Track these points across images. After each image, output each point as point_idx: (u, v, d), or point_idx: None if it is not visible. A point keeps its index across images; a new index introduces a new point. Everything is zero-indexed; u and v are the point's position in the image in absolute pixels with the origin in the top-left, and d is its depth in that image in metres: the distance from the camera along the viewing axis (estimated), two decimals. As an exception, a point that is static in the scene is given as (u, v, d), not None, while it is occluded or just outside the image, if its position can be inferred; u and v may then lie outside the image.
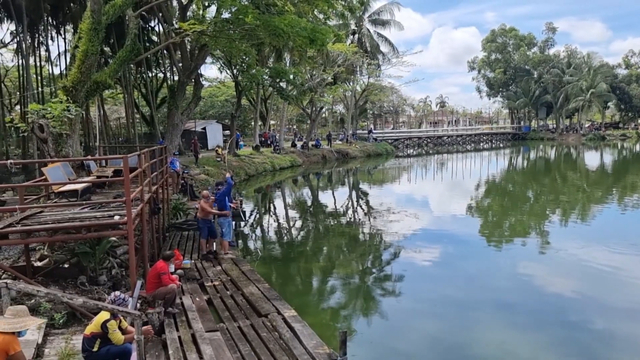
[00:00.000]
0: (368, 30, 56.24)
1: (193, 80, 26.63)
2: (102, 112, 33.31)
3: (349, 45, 47.37)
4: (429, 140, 74.92)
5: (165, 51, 31.97)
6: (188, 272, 11.00)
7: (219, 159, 31.73)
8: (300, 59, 38.48)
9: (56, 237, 8.77)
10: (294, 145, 47.98)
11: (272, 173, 36.95)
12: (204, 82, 39.39)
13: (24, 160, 24.92)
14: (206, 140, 43.51)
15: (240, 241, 16.15)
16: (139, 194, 9.69)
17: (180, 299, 9.20)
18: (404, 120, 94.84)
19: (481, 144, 78.68)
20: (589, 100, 76.35)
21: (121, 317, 6.42)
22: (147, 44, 30.47)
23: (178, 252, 11.75)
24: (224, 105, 59.36)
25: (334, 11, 27.92)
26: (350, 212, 23.01)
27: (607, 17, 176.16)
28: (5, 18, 29.28)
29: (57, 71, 34.29)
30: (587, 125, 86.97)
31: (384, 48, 57.12)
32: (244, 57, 27.82)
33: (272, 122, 58.88)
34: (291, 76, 32.77)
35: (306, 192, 30.20)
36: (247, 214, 20.92)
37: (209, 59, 34.66)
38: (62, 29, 32.70)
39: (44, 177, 10.84)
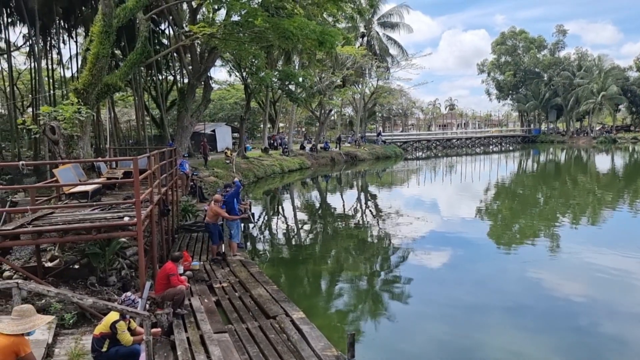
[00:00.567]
0: (377, 32, 56.22)
1: (203, 82, 26.75)
2: (112, 114, 33.57)
3: (358, 47, 47.39)
4: (438, 142, 74.70)
5: (175, 54, 32.15)
6: (197, 274, 11.04)
7: (228, 161, 31.84)
8: (309, 62, 38.54)
9: (67, 238, 8.84)
10: (302, 147, 48.02)
11: (281, 175, 36.99)
12: (213, 85, 39.55)
13: (35, 161, 25.17)
14: (215, 142, 43.71)
15: (248, 243, 16.18)
16: (148, 196, 9.76)
17: (189, 300, 9.23)
18: (413, 123, 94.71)
19: (491, 147, 78.28)
20: (600, 103, 75.77)
21: (130, 318, 6.46)
22: (158, 47, 30.71)
23: (187, 253, 11.81)
24: (233, 107, 59.62)
25: (343, 14, 27.92)
26: (358, 214, 22.97)
27: (618, 19, 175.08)
28: (18, 21, 29.65)
29: (68, 74, 34.73)
30: (598, 128, 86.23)
31: (393, 51, 57.11)
32: (253, 60, 27.93)
33: (281, 124, 58.99)
34: (300, 79, 32.80)
35: (315, 195, 30.20)
36: (256, 216, 20.96)
37: (218, 62, 34.81)
38: (74, 32, 33.05)
39: (55, 179, 10.93)
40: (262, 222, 21.20)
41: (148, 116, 38.71)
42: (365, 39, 55.63)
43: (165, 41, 33.98)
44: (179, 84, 36.53)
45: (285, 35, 18.28)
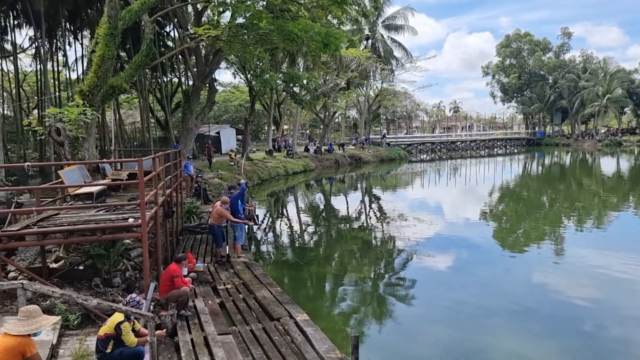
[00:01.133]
0: (382, 35, 56.24)
1: (207, 85, 26.81)
2: (117, 116, 33.71)
3: (363, 50, 47.37)
4: (442, 145, 74.61)
5: (180, 56, 32.26)
6: (201, 275, 11.05)
7: (232, 163, 31.89)
8: (313, 64, 38.62)
9: (71, 239, 8.87)
10: (306, 149, 48.05)
11: (285, 177, 37.00)
12: (218, 87, 39.65)
13: (41, 163, 25.28)
14: (220, 144, 43.77)
15: (252, 245, 16.18)
16: (153, 197, 9.79)
17: (193, 301, 9.24)
18: (417, 126, 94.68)
19: (495, 150, 78.14)
20: (605, 105, 75.51)
21: (134, 319, 6.47)
22: (163, 49, 30.77)
23: (191, 255, 11.80)
24: (237, 110, 59.73)
25: (348, 16, 27.94)
26: (362, 217, 22.95)
27: (623, 22, 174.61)
28: (24, 24, 29.81)
29: (74, 76, 34.79)
30: (603, 131, 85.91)
31: (397, 53, 57.12)
32: (258, 62, 27.93)
33: (285, 126, 59.08)
34: (304, 81, 32.80)
35: (319, 197, 30.20)
36: (260, 218, 20.95)
37: (223, 64, 34.95)
38: (80, 34, 33.18)
39: (60, 180, 10.99)
40: (266, 224, 21.21)
41: (153, 118, 38.83)
42: (370, 41, 55.65)
43: (170, 43, 34.06)
44: (183, 86, 36.61)
45: (290, 38, 18.31)
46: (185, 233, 15.83)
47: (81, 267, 9.75)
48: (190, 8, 27.14)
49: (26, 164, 9.89)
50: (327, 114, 49.40)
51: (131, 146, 37.56)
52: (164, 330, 7.68)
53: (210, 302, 9.45)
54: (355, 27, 46.03)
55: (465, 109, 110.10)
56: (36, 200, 10.18)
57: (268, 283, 10.57)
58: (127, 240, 10.29)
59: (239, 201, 13.05)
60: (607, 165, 50.47)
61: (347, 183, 37.71)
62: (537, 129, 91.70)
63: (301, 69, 39.96)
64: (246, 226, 13.75)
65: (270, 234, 19.35)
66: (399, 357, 8.42)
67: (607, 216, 21.61)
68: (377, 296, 11.55)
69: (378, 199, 28.96)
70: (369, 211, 25.04)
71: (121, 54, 28.70)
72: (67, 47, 32.82)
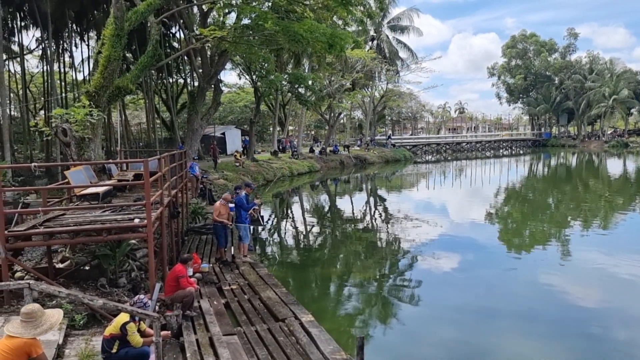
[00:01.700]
0: (387, 36, 56.22)
1: (213, 86, 26.87)
2: (123, 117, 33.85)
3: (368, 51, 47.38)
4: (447, 146, 74.44)
5: (185, 57, 32.34)
6: (206, 276, 11.07)
7: (237, 164, 31.94)
8: (319, 65, 38.63)
9: (78, 239, 8.90)
10: (312, 150, 48.04)
11: (290, 178, 37.01)
12: (223, 88, 39.72)
13: (47, 163, 25.42)
14: (225, 145, 43.84)
15: (257, 246, 16.19)
16: (158, 198, 9.81)
17: (198, 302, 9.25)
18: (423, 127, 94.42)
19: (501, 151, 77.86)
20: (612, 106, 75.08)
21: (140, 320, 6.48)
22: (168, 50, 30.91)
23: (196, 255, 11.83)
24: (243, 110, 59.83)
25: (353, 17, 27.94)
26: (367, 218, 22.92)
27: (630, 22, 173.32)
28: (31, 25, 30.01)
29: (80, 77, 35.06)
30: (609, 132, 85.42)
31: (402, 54, 57.09)
32: (263, 63, 28.02)
33: (290, 127, 59.10)
34: (310, 82, 32.84)
35: (324, 198, 30.19)
36: (265, 219, 20.95)
37: (228, 65, 34.96)
38: (86, 35, 33.39)
39: (66, 180, 11.03)
40: (271, 224, 21.22)
41: (158, 119, 38.96)
42: (375, 42, 55.64)
43: (175, 44, 34.21)
44: (189, 87, 36.74)
45: (295, 38, 18.32)
46: (190, 233, 15.86)
47: (87, 268, 9.78)
48: (195, 9, 27.18)
49: (33, 164, 9.93)
50: (332, 115, 49.39)
51: (137, 147, 37.69)
52: (169, 330, 7.69)
53: (215, 302, 9.45)
54: (360, 28, 45.97)
55: (470, 110, 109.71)
56: (43, 201, 10.22)
57: (273, 284, 10.57)
58: (133, 241, 10.32)
59: (245, 201, 13.00)
60: (614, 166, 50.19)
61: (352, 184, 37.69)
62: (543, 130, 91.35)
63: (306, 70, 39.98)
64: (251, 226, 13.75)
65: (276, 235, 19.36)
66: (404, 358, 8.40)
67: (613, 218, 21.48)
68: (382, 297, 11.53)
69: (383, 200, 28.92)
70: (374, 212, 25.01)
71: (127, 55, 28.80)
72: (74, 48, 33.11)
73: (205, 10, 25.17)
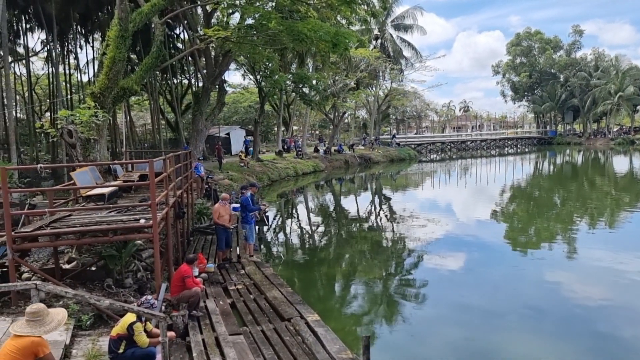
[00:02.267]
0: (391, 35, 56.13)
1: (217, 86, 26.91)
2: (128, 118, 33.97)
3: (372, 50, 47.29)
4: (452, 145, 74.28)
5: (190, 58, 32.41)
6: (212, 276, 11.09)
7: (242, 164, 31.97)
8: (323, 65, 38.60)
9: (84, 240, 8.93)
10: (316, 150, 48.03)
11: (295, 178, 37.01)
12: (227, 88, 39.76)
13: (53, 164, 25.52)
14: (230, 145, 43.89)
15: (263, 245, 16.21)
16: (164, 198, 9.83)
17: (204, 302, 9.27)
18: (427, 125, 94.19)
19: (506, 149, 77.62)
20: (618, 103, 74.69)
21: (146, 320, 6.49)
22: (173, 51, 30.95)
23: (202, 255, 11.85)
24: (247, 111, 59.92)
25: (357, 16, 27.90)
26: (372, 217, 22.90)
27: (636, 19, 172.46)
28: (36, 27, 30.13)
29: (85, 78, 35.24)
30: (615, 130, 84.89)
31: (407, 53, 56.97)
32: (267, 63, 28.01)
33: (294, 127, 59.13)
34: (314, 82, 32.81)
35: (329, 197, 30.18)
36: (270, 219, 20.98)
37: (232, 65, 35.01)
38: (91, 37, 33.51)
39: (72, 182, 11.07)
40: (277, 224, 21.23)
41: (163, 120, 39.03)
42: (379, 41, 55.53)
43: (180, 45, 34.26)
44: (193, 88, 36.82)
45: (299, 38, 18.32)
46: (196, 234, 15.89)
47: (93, 268, 9.82)
48: (199, 10, 27.27)
49: (39, 165, 9.99)
50: (336, 114, 49.35)
51: (142, 148, 37.82)
52: (175, 331, 7.71)
53: (221, 302, 9.47)
54: (364, 27, 45.93)
55: (475, 108, 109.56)
56: (49, 202, 10.27)
57: (279, 283, 10.57)
58: (139, 241, 10.34)
59: (250, 201, 12.98)
60: (620, 164, 49.93)
61: (356, 183, 37.65)
62: (548, 127, 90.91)
63: (310, 70, 39.98)
64: (256, 226, 13.75)
65: (281, 235, 19.37)
66: (410, 357, 8.38)
67: (619, 216, 21.36)
68: (387, 296, 11.51)
69: (388, 199, 28.88)
70: (379, 211, 24.98)
71: (132, 56, 28.90)
72: (79, 50, 33.23)
73: (209, 10, 25.23)
